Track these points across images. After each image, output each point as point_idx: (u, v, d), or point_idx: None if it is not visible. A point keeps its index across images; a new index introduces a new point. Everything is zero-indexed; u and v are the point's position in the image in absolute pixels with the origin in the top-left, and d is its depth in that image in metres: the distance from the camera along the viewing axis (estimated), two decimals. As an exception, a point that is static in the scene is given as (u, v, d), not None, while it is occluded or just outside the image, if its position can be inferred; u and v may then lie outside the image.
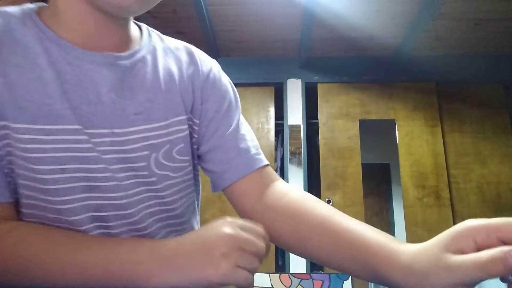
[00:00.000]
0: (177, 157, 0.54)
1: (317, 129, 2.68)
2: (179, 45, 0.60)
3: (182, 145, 0.54)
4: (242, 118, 0.63)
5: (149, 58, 0.54)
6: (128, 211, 0.50)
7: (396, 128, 2.65)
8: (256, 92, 2.70)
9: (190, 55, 0.60)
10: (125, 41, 0.52)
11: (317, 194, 2.56)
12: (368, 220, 3.82)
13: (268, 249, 0.44)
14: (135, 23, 0.56)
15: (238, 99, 0.64)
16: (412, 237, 2.44)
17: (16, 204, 0.47)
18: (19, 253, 0.42)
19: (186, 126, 0.55)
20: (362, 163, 2.62)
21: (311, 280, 1.93)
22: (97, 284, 0.41)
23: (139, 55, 0.52)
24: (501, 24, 2.37)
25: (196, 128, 0.57)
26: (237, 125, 0.60)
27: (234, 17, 2.33)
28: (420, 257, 0.40)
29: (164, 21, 2.35)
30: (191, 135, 0.57)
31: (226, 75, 0.64)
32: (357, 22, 2.36)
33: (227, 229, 0.41)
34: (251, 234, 0.42)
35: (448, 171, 2.53)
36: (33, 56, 0.45)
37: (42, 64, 0.45)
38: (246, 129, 0.62)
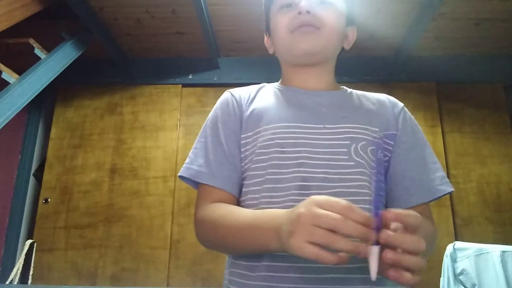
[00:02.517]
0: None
1: (317, 129, 2.68)
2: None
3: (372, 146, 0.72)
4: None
5: (351, 93, 0.82)
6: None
7: (396, 128, 2.65)
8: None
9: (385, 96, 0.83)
10: (333, 86, 0.82)
11: (317, 194, 2.56)
12: (368, 220, 3.82)
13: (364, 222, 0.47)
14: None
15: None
16: (412, 237, 2.44)
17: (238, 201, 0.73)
18: (212, 219, 0.67)
19: (378, 136, 0.73)
20: (362, 163, 2.62)
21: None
22: (246, 243, 0.62)
23: (343, 91, 0.81)
24: (501, 24, 2.37)
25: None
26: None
27: (234, 17, 2.33)
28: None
29: (164, 21, 2.35)
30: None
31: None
32: (357, 22, 2.36)
33: (302, 208, 0.50)
34: (331, 211, 0.47)
35: (448, 171, 2.53)
36: (271, 97, 0.79)
37: (275, 99, 0.78)
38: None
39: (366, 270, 0.54)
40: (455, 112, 2.65)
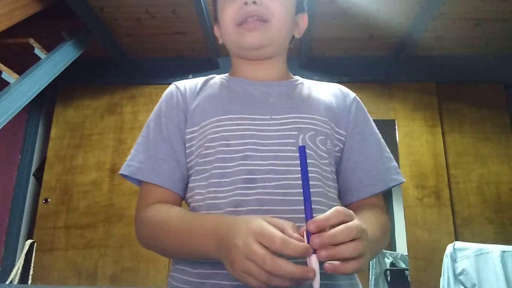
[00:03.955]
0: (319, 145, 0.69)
1: (317, 129, 2.68)
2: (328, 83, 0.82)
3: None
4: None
5: (302, 83, 0.78)
6: None
7: (396, 128, 2.65)
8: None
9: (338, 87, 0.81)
10: (283, 76, 0.79)
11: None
12: (368, 220, 3.80)
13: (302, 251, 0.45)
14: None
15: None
16: (412, 237, 2.44)
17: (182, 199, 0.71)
18: (154, 221, 0.64)
19: (327, 126, 0.71)
20: (362, 163, 2.62)
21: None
22: (185, 248, 0.59)
23: (296, 82, 0.78)
24: (501, 24, 2.37)
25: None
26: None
27: (234, 17, 2.33)
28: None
29: (164, 21, 2.35)
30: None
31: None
32: (357, 22, 2.36)
33: (239, 240, 0.47)
34: (266, 246, 0.45)
35: (448, 171, 2.53)
36: (218, 88, 0.75)
37: (222, 90, 0.75)
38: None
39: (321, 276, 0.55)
40: (455, 112, 2.65)
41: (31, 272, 2.32)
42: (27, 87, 1.89)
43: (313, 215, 0.48)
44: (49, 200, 2.50)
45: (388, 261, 3.02)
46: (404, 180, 0.74)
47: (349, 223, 0.47)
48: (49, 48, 2.11)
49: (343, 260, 0.46)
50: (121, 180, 2.52)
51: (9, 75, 1.85)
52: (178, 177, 0.69)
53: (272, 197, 0.61)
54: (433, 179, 2.52)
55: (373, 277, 2.88)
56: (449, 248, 1.85)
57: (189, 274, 0.62)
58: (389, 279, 2.86)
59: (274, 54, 0.76)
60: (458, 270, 1.80)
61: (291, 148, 0.65)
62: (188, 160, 0.71)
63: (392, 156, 0.75)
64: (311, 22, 2.32)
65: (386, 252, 3.07)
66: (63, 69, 2.15)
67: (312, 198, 0.58)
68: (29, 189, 2.61)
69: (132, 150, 0.73)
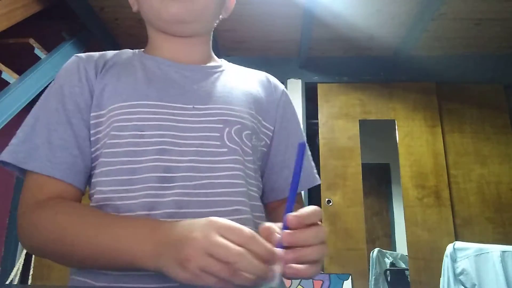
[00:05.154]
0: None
1: (317, 129, 2.68)
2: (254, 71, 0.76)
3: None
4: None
5: (227, 70, 0.71)
6: None
7: (396, 128, 2.66)
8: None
9: (266, 76, 0.74)
10: (208, 60, 0.70)
11: (317, 194, 2.56)
12: (368, 220, 3.83)
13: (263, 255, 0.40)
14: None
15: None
16: (412, 237, 2.44)
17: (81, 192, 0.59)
18: (57, 222, 0.51)
19: (254, 119, 0.64)
20: (362, 163, 2.62)
21: (311, 280, 1.94)
22: (105, 256, 0.47)
23: (219, 68, 0.69)
24: (501, 24, 2.37)
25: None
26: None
27: (234, 17, 2.32)
28: None
29: (164, 21, 2.36)
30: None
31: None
32: (357, 22, 2.36)
33: (198, 233, 0.41)
34: (231, 240, 0.40)
35: (448, 171, 2.53)
36: (132, 67, 0.64)
37: (137, 71, 0.63)
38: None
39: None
40: (455, 112, 2.66)
41: (31, 272, 2.32)
42: (27, 87, 1.89)
43: (234, 217, 0.44)
44: (49, 200, 2.50)
45: (388, 261, 3.02)
46: (320, 181, 0.71)
47: (320, 226, 0.44)
48: (49, 48, 2.11)
49: (306, 263, 0.42)
50: (121, 180, 2.52)
51: (9, 75, 1.85)
52: (79, 168, 0.57)
53: (191, 198, 0.53)
54: (433, 179, 2.52)
55: (373, 277, 2.88)
56: (449, 248, 1.85)
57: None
58: (389, 279, 2.86)
59: (199, 32, 0.67)
60: (458, 270, 1.80)
61: (215, 143, 0.57)
62: (92, 149, 0.59)
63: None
64: (311, 22, 2.32)
65: (386, 252, 3.07)
66: (63, 69, 2.15)
67: (234, 198, 0.56)
68: (29, 189, 2.61)
69: (18, 132, 0.59)
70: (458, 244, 1.85)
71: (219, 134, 0.58)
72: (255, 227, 0.53)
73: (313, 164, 0.71)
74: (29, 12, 1.98)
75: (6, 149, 0.57)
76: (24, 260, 2.31)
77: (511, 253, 1.73)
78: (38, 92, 1.97)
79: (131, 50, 0.69)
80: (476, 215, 2.44)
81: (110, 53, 0.67)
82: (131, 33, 2.49)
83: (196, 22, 0.65)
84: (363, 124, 2.69)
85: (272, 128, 0.68)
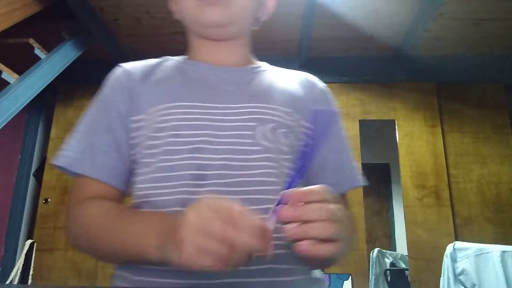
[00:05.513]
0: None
1: (317, 129, 2.68)
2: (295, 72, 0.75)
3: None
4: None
5: (266, 70, 0.71)
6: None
7: (396, 128, 2.65)
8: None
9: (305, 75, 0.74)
10: (246, 61, 0.72)
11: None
12: (368, 220, 3.82)
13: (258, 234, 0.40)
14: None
15: None
16: (412, 237, 2.44)
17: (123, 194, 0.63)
18: (85, 218, 0.56)
19: (291, 118, 0.64)
20: (362, 163, 2.62)
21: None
22: (119, 250, 0.52)
23: (259, 69, 0.71)
24: (501, 24, 2.37)
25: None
26: None
27: (234, 17, 2.33)
28: None
29: (164, 21, 2.35)
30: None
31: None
32: (357, 22, 2.36)
33: (190, 214, 0.41)
34: (223, 218, 0.40)
35: (448, 171, 2.53)
36: (171, 73, 0.67)
37: (175, 75, 0.67)
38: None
39: (271, 272, 0.52)
40: (455, 112, 2.66)
41: (31, 272, 2.32)
42: (27, 87, 1.89)
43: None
44: (49, 200, 2.50)
45: (388, 261, 3.02)
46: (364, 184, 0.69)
47: (325, 203, 0.43)
48: (49, 48, 2.11)
49: (313, 240, 0.41)
50: (121, 180, 2.53)
51: (9, 75, 1.85)
52: (119, 170, 0.62)
53: (225, 195, 0.53)
54: (433, 179, 2.52)
55: (373, 277, 2.88)
56: (449, 248, 1.85)
57: (129, 282, 0.55)
58: (389, 279, 2.86)
59: (236, 35, 0.70)
60: (458, 270, 1.80)
61: (248, 141, 0.58)
62: (132, 151, 0.63)
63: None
64: (311, 22, 2.32)
65: (386, 252, 3.07)
66: (63, 69, 2.15)
67: (266, 196, 0.55)
68: (29, 189, 2.61)
69: (69, 138, 0.64)
70: (458, 244, 1.85)
71: (251, 133, 0.59)
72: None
73: (355, 164, 0.69)
74: (29, 12, 1.98)
75: (59, 153, 0.63)
76: (24, 260, 2.31)
77: (511, 253, 1.73)
78: (38, 92, 1.96)
79: (174, 57, 0.73)
80: (476, 215, 2.44)
81: (153, 61, 0.71)
82: (131, 33, 2.49)
83: (232, 26, 0.67)
84: (363, 124, 2.69)
85: (312, 127, 0.67)
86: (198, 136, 0.58)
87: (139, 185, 0.60)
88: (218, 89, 0.64)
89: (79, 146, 0.62)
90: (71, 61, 2.22)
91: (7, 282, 2.22)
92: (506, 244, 1.80)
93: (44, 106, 2.79)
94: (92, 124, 0.64)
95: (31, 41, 1.99)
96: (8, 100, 1.78)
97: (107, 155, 0.61)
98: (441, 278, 1.87)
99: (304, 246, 0.41)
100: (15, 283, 2.25)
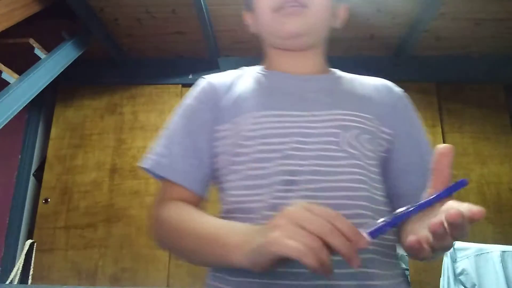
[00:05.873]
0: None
1: (317, 129, 2.68)
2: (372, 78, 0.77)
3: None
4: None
5: (343, 77, 0.73)
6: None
7: (396, 128, 2.65)
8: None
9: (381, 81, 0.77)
10: (322, 69, 0.74)
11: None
12: (368, 220, 3.83)
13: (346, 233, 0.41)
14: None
15: None
16: (412, 237, 2.44)
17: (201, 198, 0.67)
18: (169, 219, 0.61)
19: (373, 124, 0.66)
20: (362, 163, 2.62)
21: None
22: (203, 250, 0.54)
23: (334, 75, 0.74)
24: (501, 24, 2.37)
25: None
26: None
27: (234, 17, 2.33)
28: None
29: (164, 21, 2.35)
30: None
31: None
32: (357, 22, 2.36)
33: (289, 208, 0.44)
34: (320, 216, 0.42)
35: (448, 171, 2.53)
36: (252, 83, 0.70)
37: (257, 85, 0.69)
38: None
39: (361, 276, 0.53)
40: (455, 112, 2.65)
41: (31, 272, 2.32)
42: (27, 87, 1.89)
43: (355, 221, 0.46)
44: (49, 200, 2.50)
45: (388, 261, 3.02)
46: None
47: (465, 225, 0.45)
48: (49, 48, 2.11)
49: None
50: (121, 180, 2.53)
51: (9, 75, 1.85)
52: (198, 176, 0.65)
53: (314, 200, 0.55)
54: (433, 179, 2.52)
55: (373, 277, 2.88)
56: (449, 248, 1.85)
57: (227, 283, 0.57)
58: (389, 279, 2.86)
59: (313, 44, 0.72)
60: (458, 270, 1.80)
61: (333, 147, 0.60)
62: (218, 158, 0.66)
63: None
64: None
65: (386, 252, 3.07)
66: (63, 69, 2.15)
67: (355, 202, 0.57)
68: (29, 189, 2.61)
69: (155, 143, 0.70)
70: (458, 244, 1.85)
71: (337, 139, 0.61)
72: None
73: None
74: (29, 12, 1.98)
75: (146, 157, 0.68)
76: (24, 260, 2.31)
77: (511, 253, 1.74)
78: (38, 92, 1.97)
79: (252, 68, 0.76)
80: (476, 215, 2.44)
81: (234, 72, 0.75)
82: (131, 33, 2.49)
83: (308, 36, 0.69)
84: (363, 124, 2.68)
85: (391, 133, 0.68)
86: (287, 144, 0.60)
87: (231, 191, 0.62)
88: (301, 97, 0.66)
89: (162, 151, 0.67)
90: (71, 61, 2.22)
91: (7, 282, 2.22)
92: (506, 244, 1.80)
93: (44, 106, 2.79)
94: (175, 131, 0.68)
95: (31, 41, 1.99)
96: (8, 100, 1.78)
97: (186, 160, 0.65)
98: (441, 278, 1.87)
99: (418, 244, 0.44)
100: (15, 283, 2.25)
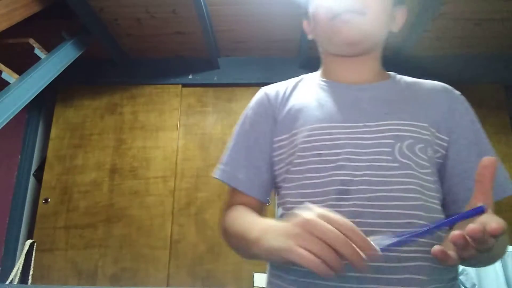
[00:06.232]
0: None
1: (317, 129, 2.68)
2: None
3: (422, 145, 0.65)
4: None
5: (399, 83, 0.73)
6: None
7: (396, 128, 2.65)
8: (256, 92, 2.69)
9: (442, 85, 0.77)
10: (378, 75, 0.74)
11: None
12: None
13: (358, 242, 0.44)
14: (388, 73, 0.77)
15: None
16: (412, 237, 2.44)
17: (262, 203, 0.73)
18: (229, 221, 0.69)
19: (428, 132, 0.66)
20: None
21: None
22: (243, 244, 0.61)
23: (389, 82, 0.73)
24: (501, 24, 2.37)
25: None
26: None
27: (234, 17, 2.33)
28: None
29: (164, 21, 2.35)
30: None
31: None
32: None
33: (304, 215, 0.47)
34: (334, 226, 0.45)
35: (448, 171, 2.53)
36: (308, 94, 0.73)
37: (312, 97, 0.71)
38: None
39: (407, 281, 0.55)
40: (455, 112, 2.65)
41: (31, 272, 2.32)
42: (27, 87, 1.89)
43: (407, 230, 0.48)
44: (49, 200, 2.50)
45: (388, 261, 3.01)
46: None
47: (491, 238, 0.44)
48: (49, 48, 2.11)
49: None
50: (121, 180, 2.53)
51: (9, 75, 1.85)
52: (256, 183, 0.71)
53: (367, 209, 0.58)
54: (433, 179, 2.52)
55: (373, 277, 2.88)
56: (449, 248, 1.84)
57: (284, 280, 0.62)
58: (389, 279, 2.86)
59: (369, 50, 0.72)
60: (458, 270, 1.79)
61: (387, 158, 0.61)
62: (277, 167, 0.71)
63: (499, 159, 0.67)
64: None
65: (386, 252, 3.06)
66: (63, 69, 2.15)
67: (407, 212, 0.58)
68: (29, 189, 2.61)
69: (223, 154, 0.77)
70: (458, 244, 1.84)
71: (390, 149, 0.62)
72: (433, 240, 0.57)
73: (506, 173, 0.72)
74: (29, 12, 1.98)
75: (216, 167, 0.75)
76: (24, 260, 2.31)
77: (511, 253, 1.73)
78: (38, 92, 1.97)
79: (308, 76, 0.79)
80: (476, 215, 2.44)
81: (291, 82, 0.77)
82: (130, 33, 2.49)
83: (365, 41, 0.69)
84: (363, 124, 2.68)
85: (447, 139, 0.68)
86: (340, 155, 0.62)
87: (288, 199, 0.67)
88: (355, 108, 0.67)
89: (226, 160, 0.74)
90: (71, 61, 2.22)
91: (7, 282, 2.22)
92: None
93: (44, 106, 2.79)
94: (236, 143, 0.75)
95: (31, 41, 1.99)
96: (8, 100, 1.78)
97: (245, 169, 0.72)
98: (441, 278, 1.87)
99: (444, 256, 0.46)
100: (15, 283, 2.25)
